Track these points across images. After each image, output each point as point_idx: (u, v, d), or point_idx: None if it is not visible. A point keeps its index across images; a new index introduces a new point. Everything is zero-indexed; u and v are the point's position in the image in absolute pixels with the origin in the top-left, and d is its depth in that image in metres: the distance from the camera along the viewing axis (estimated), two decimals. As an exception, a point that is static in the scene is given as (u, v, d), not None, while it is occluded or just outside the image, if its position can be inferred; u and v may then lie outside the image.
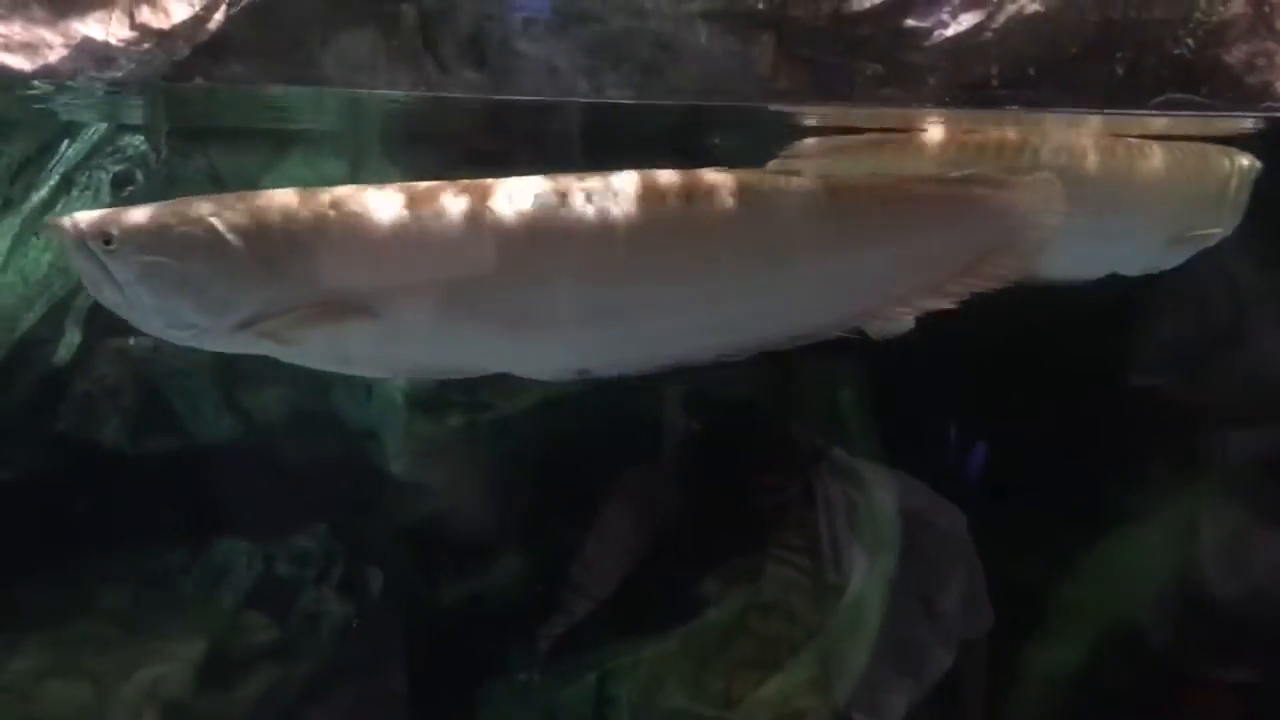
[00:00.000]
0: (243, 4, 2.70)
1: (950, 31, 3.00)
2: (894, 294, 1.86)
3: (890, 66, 3.04)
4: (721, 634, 2.77)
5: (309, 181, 2.98)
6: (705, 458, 2.91)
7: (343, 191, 1.63)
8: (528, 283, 1.69)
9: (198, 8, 2.60)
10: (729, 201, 1.78)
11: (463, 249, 1.66)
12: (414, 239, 1.64)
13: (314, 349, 1.67)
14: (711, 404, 2.90)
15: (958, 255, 1.85)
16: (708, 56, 2.99)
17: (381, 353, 1.70)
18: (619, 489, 2.97)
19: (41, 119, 2.67)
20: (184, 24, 2.58)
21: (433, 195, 1.64)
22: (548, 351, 1.71)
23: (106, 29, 2.53)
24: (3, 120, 2.66)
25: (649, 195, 1.70)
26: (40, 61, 2.52)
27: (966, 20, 3.04)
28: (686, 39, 3.05)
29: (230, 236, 1.63)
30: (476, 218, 1.64)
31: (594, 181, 1.69)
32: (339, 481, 3.10)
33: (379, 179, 2.95)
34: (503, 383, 2.97)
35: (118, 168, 2.69)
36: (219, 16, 2.68)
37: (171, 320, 1.66)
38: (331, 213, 1.65)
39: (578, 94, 2.99)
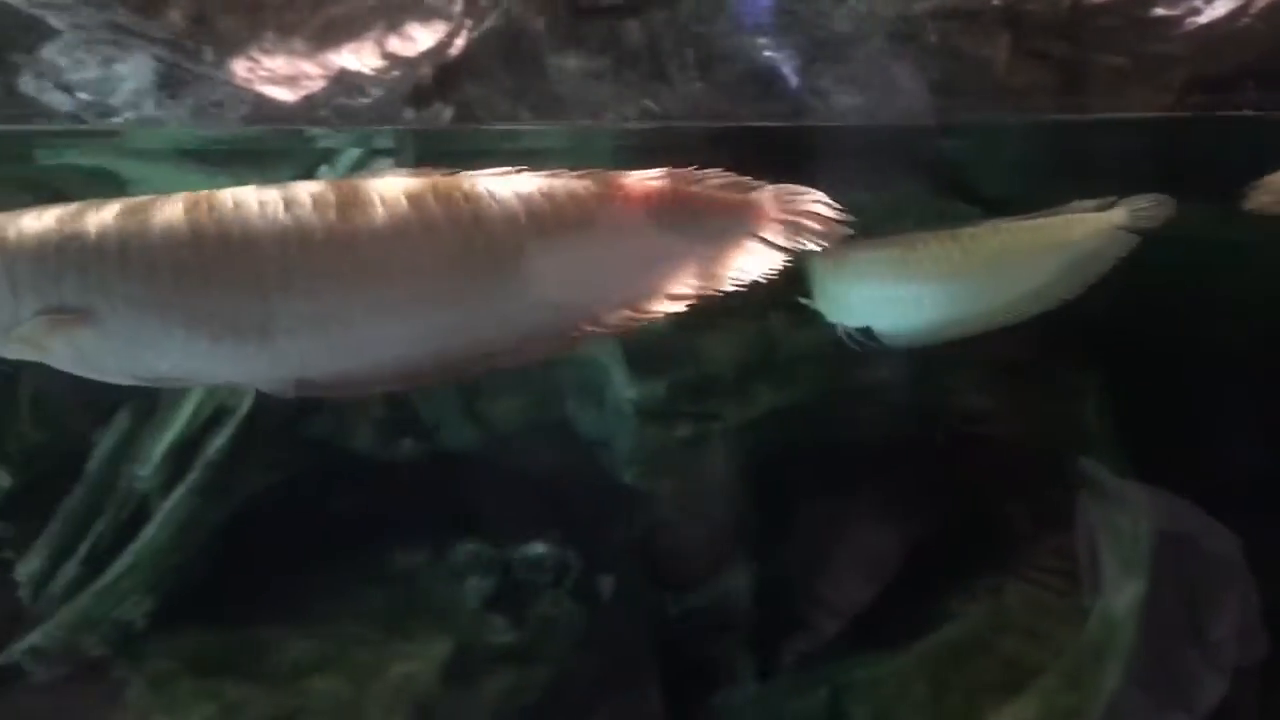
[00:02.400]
0: (483, 28, 2.82)
1: (1204, 19, 2.81)
2: (629, 295, 1.76)
3: (1134, 59, 2.88)
4: (962, 652, 2.67)
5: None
6: (952, 470, 2.82)
7: (75, 206, 1.71)
8: (225, 292, 1.68)
9: (442, 34, 2.73)
10: (433, 206, 1.73)
11: (166, 258, 1.67)
12: (126, 248, 1.68)
13: (59, 355, 1.74)
14: (954, 414, 2.81)
15: (694, 257, 1.77)
16: (940, 57, 2.92)
17: (111, 359, 1.73)
18: (868, 502, 2.91)
19: (302, 146, 2.84)
20: (429, 50, 2.71)
21: (145, 206, 1.68)
22: (257, 360, 1.70)
23: (360, 59, 2.69)
24: (269, 150, 2.85)
25: (346, 202, 1.68)
26: (301, 93, 2.70)
27: (1222, 6, 2.85)
28: (917, 39, 2.98)
29: None
30: (176, 227, 1.66)
31: (296, 189, 1.68)
32: (572, 489, 3.17)
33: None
34: (734, 393, 2.99)
35: (370, 190, 2.83)
36: (460, 42, 2.80)
37: None
38: (58, 225, 1.72)
39: (803, 99, 2.97)
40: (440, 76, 2.76)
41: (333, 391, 1.77)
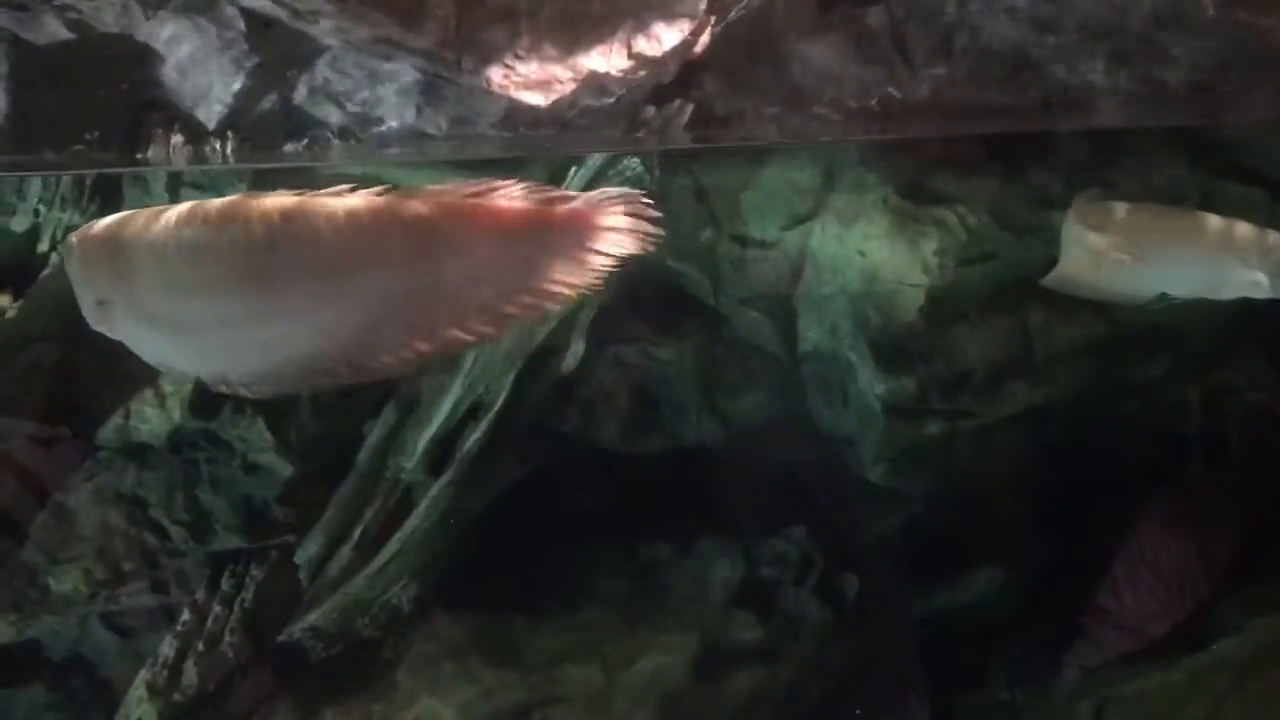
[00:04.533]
0: (726, 23, 2.82)
1: None
2: (469, 309, 1.79)
3: None
4: (1241, 670, 2.48)
5: (783, 192, 3.08)
6: (1240, 474, 2.63)
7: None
8: (165, 294, 1.88)
9: (686, 32, 2.74)
10: (277, 220, 1.81)
11: (142, 260, 1.88)
12: (121, 251, 1.90)
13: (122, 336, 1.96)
14: (1235, 411, 2.62)
15: (520, 272, 1.80)
16: (1215, 30, 2.71)
17: (130, 345, 1.95)
18: (1154, 510, 2.75)
19: (551, 152, 2.92)
20: (674, 49, 2.73)
21: (151, 214, 1.89)
22: (196, 357, 1.90)
23: (608, 61, 2.74)
24: (521, 156, 2.95)
25: (222, 218, 1.82)
26: (553, 97, 2.77)
27: None
28: (1188, 12, 2.78)
29: None
30: (153, 235, 1.86)
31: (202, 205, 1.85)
32: (816, 486, 3.14)
33: (856, 186, 2.98)
34: (986, 390, 2.88)
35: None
36: (705, 39, 2.81)
37: None
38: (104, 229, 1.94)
39: (1055, 83, 2.83)
40: (682, 73, 2.78)
41: (240, 389, 1.90)
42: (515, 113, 2.74)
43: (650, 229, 1.83)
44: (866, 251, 2.85)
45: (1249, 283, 2.35)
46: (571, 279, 1.81)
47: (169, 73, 2.78)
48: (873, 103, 2.78)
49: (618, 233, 1.82)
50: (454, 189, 1.87)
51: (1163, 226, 2.48)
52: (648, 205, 1.84)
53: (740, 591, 2.99)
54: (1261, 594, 2.55)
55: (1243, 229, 2.40)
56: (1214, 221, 2.44)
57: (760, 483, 3.19)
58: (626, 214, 1.83)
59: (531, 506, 3.02)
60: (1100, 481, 2.79)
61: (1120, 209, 2.53)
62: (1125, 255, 2.45)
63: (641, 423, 3.15)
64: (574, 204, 1.82)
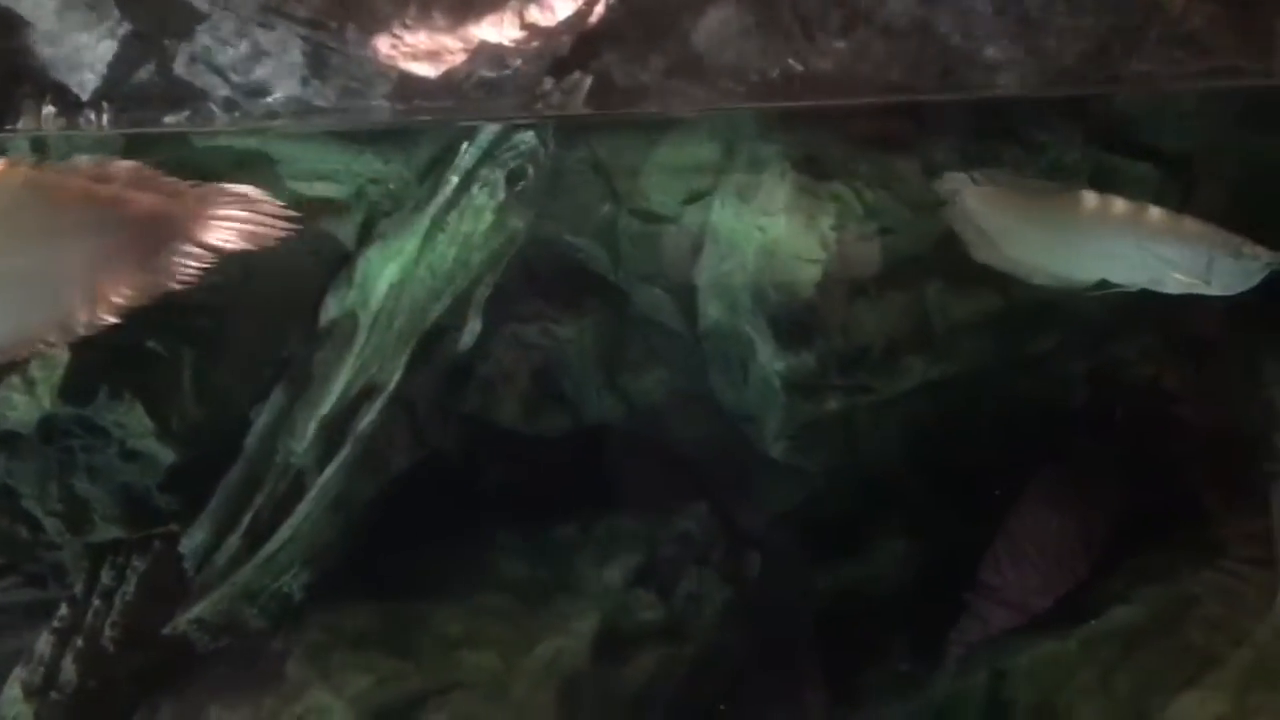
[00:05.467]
0: (623, -7, 2.76)
1: None
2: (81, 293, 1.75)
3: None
4: (1131, 639, 2.52)
5: (683, 167, 3.04)
6: (1128, 447, 2.66)
7: None
8: None
9: (580, 2, 2.68)
10: None
11: None
12: None
13: None
14: (1123, 387, 2.65)
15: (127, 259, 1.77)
16: (1110, 3, 2.73)
17: None
18: (1033, 488, 2.78)
19: (443, 124, 2.84)
20: (568, 20, 2.67)
21: None
22: None
23: (500, 31, 2.66)
24: (411, 129, 2.86)
25: None
26: (443, 67, 2.69)
27: None
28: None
29: None
30: None
31: None
32: (717, 464, 3.12)
33: (755, 160, 2.95)
34: (884, 365, 2.88)
35: (511, 164, 2.82)
36: (600, 9, 2.75)
37: None
38: None
39: (955, 57, 2.83)
40: (582, 45, 2.72)
41: None
42: (406, 84, 2.66)
43: (270, 227, 1.80)
44: (765, 227, 2.83)
45: (1157, 266, 2.35)
46: (176, 270, 1.77)
47: (38, 40, 2.65)
48: (774, 75, 2.74)
49: (228, 227, 1.79)
50: (78, 171, 1.81)
51: (1046, 209, 2.46)
52: (266, 203, 1.80)
53: (642, 571, 2.97)
54: (1148, 564, 2.59)
55: (1143, 211, 2.39)
56: (1120, 205, 2.41)
57: (663, 461, 3.16)
58: (238, 209, 1.79)
59: (428, 489, 2.96)
60: (995, 455, 2.82)
61: (1007, 191, 2.51)
62: (1010, 236, 2.44)
63: (542, 402, 3.11)
64: (185, 196, 1.79)
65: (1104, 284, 2.41)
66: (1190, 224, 2.36)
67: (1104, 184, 2.68)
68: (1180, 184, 2.74)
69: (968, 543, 2.87)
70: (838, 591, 3.14)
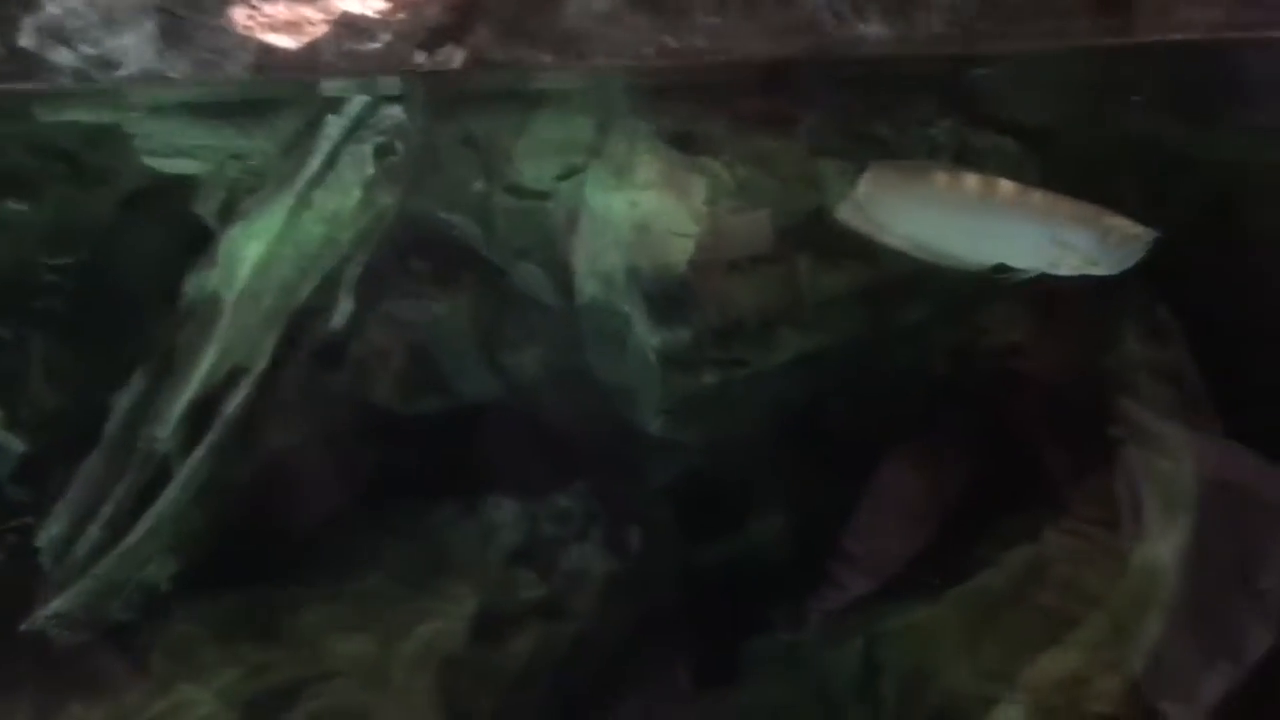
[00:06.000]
0: (491, -35, 2.71)
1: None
2: None
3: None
4: (998, 600, 2.60)
5: (557, 141, 3.01)
6: (973, 413, 2.73)
7: None
8: None
9: (448, -27, 2.63)
10: None
11: None
12: None
13: None
14: (992, 354, 2.71)
15: None
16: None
17: None
18: (892, 456, 2.83)
19: (307, 96, 2.77)
20: (436, -9, 2.61)
21: None
22: None
23: (362, 2, 2.60)
24: (273, 101, 2.78)
25: None
26: (304, 39, 2.61)
27: None
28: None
29: None
30: None
31: None
32: (597, 440, 3.12)
33: (628, 135, 2.94)
34: (759, 338, 2.90)
35: (379, 139, 2.76)
36: (469, -19, 2.70)
37: None
38: None
39: (826, 31, 2.85)
40: (456, 19, 2.67)
41: None
42: (267, 56, 2.58)
43: None
44: (638, 201, 2.82)
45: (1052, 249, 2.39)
46: None
47: None
48: (648, 50, 2.73)
49: None
50: None
51: (946, 192, 2.49)
52: None
53: (522, 550, 2.95)
54: (1012, 527, 2.67)
55: (1040, 197, 2.43)
56: (1007, 187, 2.44)
57: (542, 439, 3.15)
58: None
59: (301, 473, 2.89)
60: (866, 425, 2.87)
61: (909, 173, 2.53)
62: (911, 220, 2.46)
63: (418, 381, 3.06)
64: None
65: (1002, 268, 2.46)
66: (1080, 207, 2.41)
67: (969, 160, 2.74)
68: (1041, 158, 2.81)
69: (844, 512, 2.91)
70: (718, 564, 3.16)
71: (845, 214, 2.47)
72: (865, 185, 2.45)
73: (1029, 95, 2.88)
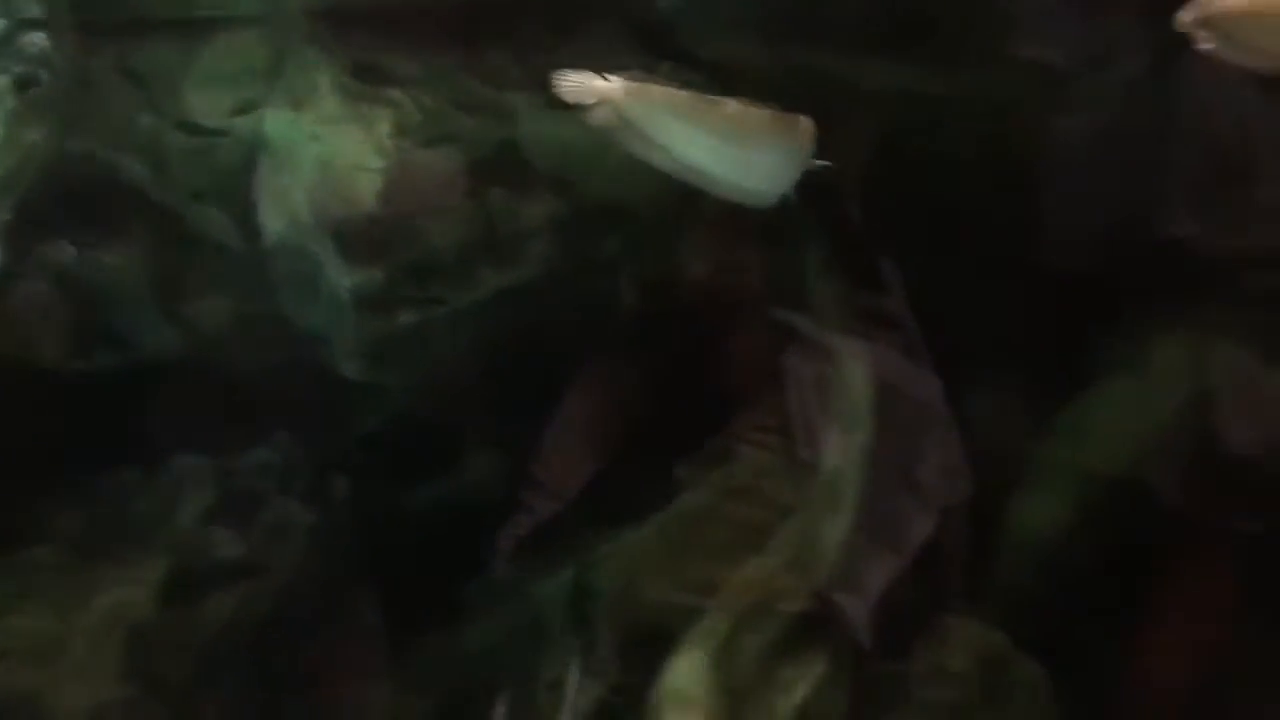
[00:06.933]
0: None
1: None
2: None
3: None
4: (698, 520, 2.69)
5: (230, 74, 2.84)
6: (666, 339, 2.80)
7: None
8: None
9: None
10: None
11: None
12: None
13: None
14: (670, 283, 2.78)
15: None
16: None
17: None
18: (573, 382, 2.87)
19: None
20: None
21: None
22: None
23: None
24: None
25: None
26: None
27: None
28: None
29: None
30: None
31: None
32: (294, 389, 2.99)
33: (306, 66, 2.80)
34: (456, 275, 2.86)
35: (19, 69, 2.50)
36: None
37: None
38: None
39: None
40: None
41: None
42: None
43: None
44: (320, 135, 2.70)
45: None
46: None
47: None
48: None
49: None
50: None
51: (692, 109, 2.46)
52: None
53: (216, 508, 2.81)
54: (710, 450, 2.76)
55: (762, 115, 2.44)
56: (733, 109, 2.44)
57: (235, 391, 2.99)
58: None
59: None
60: (570, 358, 2.89)
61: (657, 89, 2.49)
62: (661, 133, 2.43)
63: (88, 337, 2.83)
64: None
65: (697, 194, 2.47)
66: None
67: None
68: (723, 91, 2.87)
69: (531, 447, 2.93)
70: (432, 507, 3.12)
71: (598, 117, 2.41)
72: (622, 92, 2.41)
73: (712, 28, 2.94)
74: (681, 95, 2.45)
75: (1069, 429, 2.94)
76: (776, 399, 2.70)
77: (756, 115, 2.42)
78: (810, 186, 2.52)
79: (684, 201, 2.85)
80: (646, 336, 2.81)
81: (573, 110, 2.83)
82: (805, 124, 2.40)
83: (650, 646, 2.50)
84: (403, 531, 3.09)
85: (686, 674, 2.46)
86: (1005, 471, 2.89)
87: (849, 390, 2.61)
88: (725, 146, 2.39)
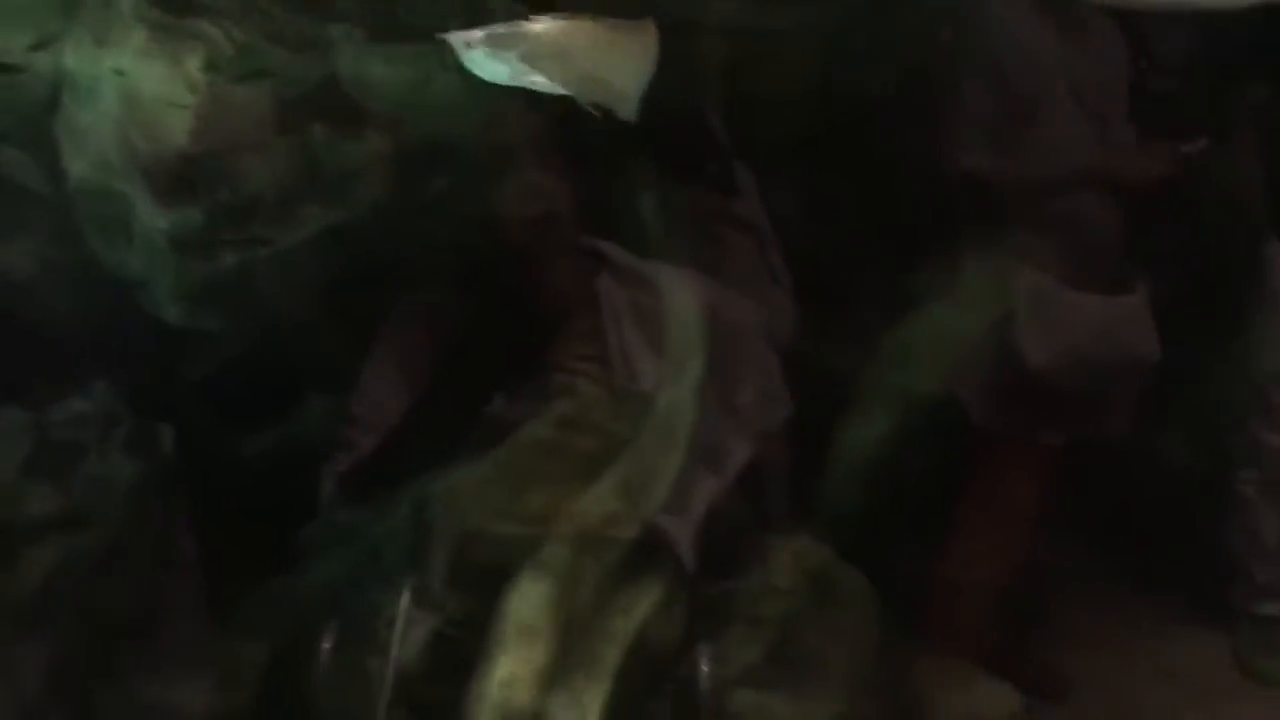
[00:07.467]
0: None
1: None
2: None
3: None
4: (534, 453, 2.71)
5: (25, 5, 2.68)
6: (486, 273, 2.80)
7: None
8: None
9: None
10: None
11: None
12: None
13: None
14: (495, 220, 2.77)
15: None
16: None
17: None
18: (389, 318, 2.85)
19: None
20: None
21: None
22: None
23: None
24: None
25: None
26: None
27: None
28: None
29: None
30: None
31: None
32: (113, 337, 2.89)
33: (106, -4, 2.66)
34: (278, 214, 2.79)
35: None
36: None
37: None
38: None
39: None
40: None
41: None
42: None
43: None
44: (125, 70, 2.58)
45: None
46: None
47: None
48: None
49: None
50: None
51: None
52: None
53: (30, 462, 2.69)
54: (543, 384, 2.78)
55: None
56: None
57: (49, 340, 2.87)
58: None
59: None
60: (392, 295, 2.86)
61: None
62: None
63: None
64: None
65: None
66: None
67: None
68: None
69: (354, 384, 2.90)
70: (265, 452, 3.06)
71: (471, 63, 2.38)
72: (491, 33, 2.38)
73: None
74: (540, 25, 2.46)
75: (890, 351, 3.07)
76: (595, 331, 2.73)
77: (608, 25, 2.47)
78: (655, 100, 2.54)
79: (510, 135, 2.85)
80: (467, 270, 2.81)
81: (395, 45, 2.81)
82: (650, 27, 2.45)
83: (487, 578, 2.52)
84: (236, 478, 3.03)
85: (527, 603, 2.49)
86: (834, 393, 3.02)
87: (679, 321, 2.65)
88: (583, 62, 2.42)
